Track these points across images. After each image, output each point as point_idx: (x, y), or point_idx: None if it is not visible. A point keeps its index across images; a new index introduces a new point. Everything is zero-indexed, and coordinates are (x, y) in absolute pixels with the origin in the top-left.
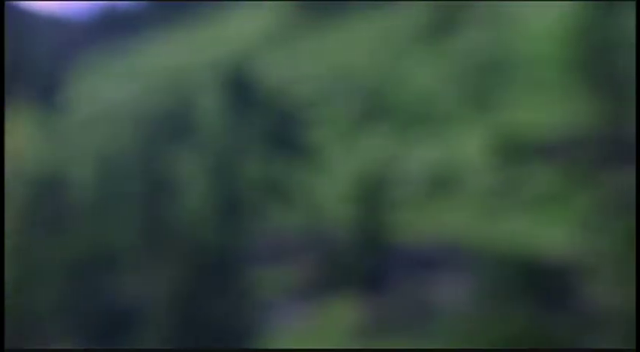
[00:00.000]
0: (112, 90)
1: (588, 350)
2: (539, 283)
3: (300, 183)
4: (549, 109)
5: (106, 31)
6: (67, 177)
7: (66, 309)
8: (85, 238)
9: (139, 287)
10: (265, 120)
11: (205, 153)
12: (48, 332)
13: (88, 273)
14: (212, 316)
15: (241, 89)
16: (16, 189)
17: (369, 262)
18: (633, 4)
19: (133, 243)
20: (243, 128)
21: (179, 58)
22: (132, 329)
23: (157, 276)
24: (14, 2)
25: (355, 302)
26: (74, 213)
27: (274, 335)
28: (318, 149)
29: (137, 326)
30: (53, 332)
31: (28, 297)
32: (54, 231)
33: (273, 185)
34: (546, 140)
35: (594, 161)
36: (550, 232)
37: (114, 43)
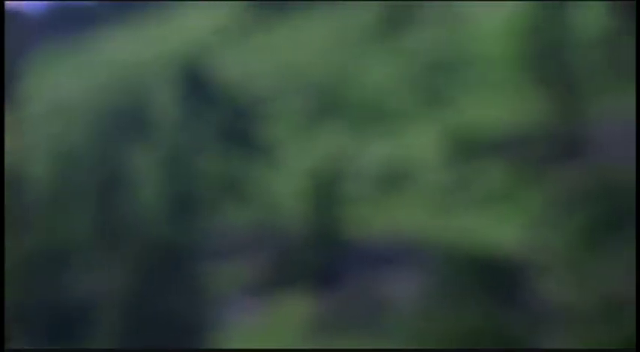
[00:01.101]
0: (66, 86)
1: (588, 351)
2: (492, 279)
3: (254, 179)
4: (501, 107)
5: (60, 26)
6: (21, 172)
7: (17, 305)
8: (38, 233)
9: (92, 282)
10: (220, 117)
11: (160, 148)
12: None
13: (40, 269)
14: (165, 312)
15: (196, 85)
16: None
17: (322, 258)
18: (582, 4)
19: (87, 239)
20: (197, 124)
21: (133, 53)
22: (84, 325)
23: (111, 272)
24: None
25: (309, 299)
26: (27, 208)
27: (227, 331)
28: (272, 145)
29: (89, 322)
30: (5, 328)
31: None
32: (6, 225)
33: (228, 181)
34: (498, 137)
35: (545, 158)
36: (502, 228)
37: (68, 38)
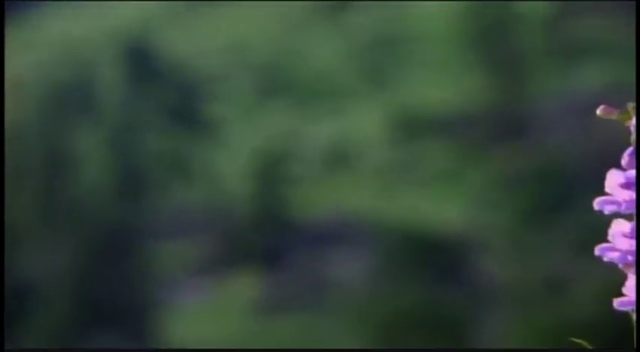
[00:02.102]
0: (9, 63)
1: (588, 350)
2: (436, 258)
3: (201, 159)
4: (446, 86)
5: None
6: None
7: None
8: None
9: (37, 263)
10: (166, 95)
11: (105, 127)
12: None
13: None
14: (111, 292)
15: (141, 63)
16: None
17: (269, 237)
18: None
19: (30, 219)
20: (142, 102)
21: (78, 30)
22: (29, 305)
23: (55, 252)
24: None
25: (255, 278)
26: None
27: (174, 311)
28: (218, 124)
29: (35, 302)
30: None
31: None
32: None
33: (174, 160)
34: (443, 117)
35: (489, 137)
36: (446, 207)
37: (11, 14)
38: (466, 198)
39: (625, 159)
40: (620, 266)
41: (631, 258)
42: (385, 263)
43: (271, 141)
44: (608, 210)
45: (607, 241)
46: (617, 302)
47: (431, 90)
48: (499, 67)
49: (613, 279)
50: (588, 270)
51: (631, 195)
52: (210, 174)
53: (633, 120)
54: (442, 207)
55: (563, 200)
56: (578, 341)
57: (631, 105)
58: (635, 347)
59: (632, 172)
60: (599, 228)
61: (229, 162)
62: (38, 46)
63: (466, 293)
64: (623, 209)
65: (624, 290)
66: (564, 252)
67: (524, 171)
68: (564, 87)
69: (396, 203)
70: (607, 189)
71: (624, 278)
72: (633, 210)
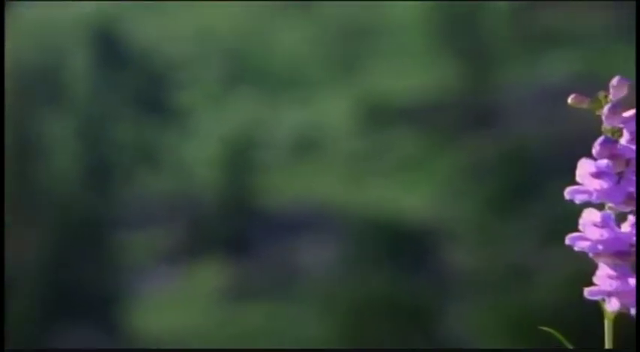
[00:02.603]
0: None
1: (587, 350)
2: (403, 246)
3: (168, 147)
4: (413, 75)
5: None
6: None
7: None
8: None
9: (4, 251)
10: (133, 82)
11: (72, 114)
12: None
13: None
14: (79, 281)
15: (109, 50)
16: None
17: (236, 226)
18: None
19: None
20: (110, 90)
21: (46, 17)
22: None
23: (23, 241)
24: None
25: (223, 266)
26: None
27: (142, 299)
28: (186, 112)
29: (3, 290)
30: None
31: None
32: None
33: (141, 148)
34: (410, 105)
35: (456, 126)
36: (413, 196)
37: None
38: (434, 187)
39: (596, 149)
40: (591, 255)
41: (601, 248)
42: (352, 251)
43: (239, 129)
44: (579, 199)
45: (577, 230)
46: (587, 292)
47: (399, 79)
48: (467, 55)
49: (580, 268)
50: (555, 259)
51: (601, 184)
52: (178, 162)
53: (604, 109)
54: (410, 196)
55: (530, 188)
56: (548, 329)
57: (602, 94)
58: (635, 347)
59: (603, 161)
60: (567, 216)
61: (197, 151)
62: (6, 33)
63: (433, 281)
64: (594, 198)
65: (595, 279)
66: (532, 240)
67: (491, 159)
68: (532, 75)
69: (364, 191)
70: (578, 179)
71: (593, 267)
72: (604, 200)
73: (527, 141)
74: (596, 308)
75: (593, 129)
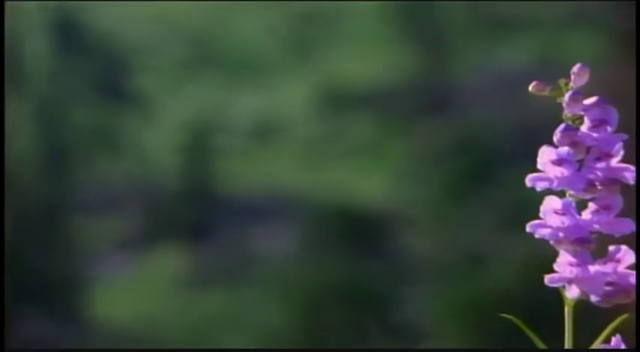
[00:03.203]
0: None
1: (587, 351)
2: (361, 231)
3: (127, 132)
4: (371, 60)
5: None
6: None
7: None
8: None
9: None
10: (92, 67)
11: (31, 99)
12: None
13: None
14: (37, 266)
15: (68, 34)
16: None
17: (196, 211)
18: None
19: None
20: (70, 74)
21: (3, 1)
22: None
23: None
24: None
25: (182, 252)
26: None
27: (101, 285)
28: (146, 96)
29: None
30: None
31: None
32: None
33: (101, 133)
34: (367, 90)
35: (412, 111)
36: (370, 182)
37: None
38: (391, 172)
39: (557, 136)
40: (551, 242)
41: (562, 235)
42: (311, 236)
43: (199, 114)
44: (540, 186)
45: (534, 216)
46: (547, 279)
47: (357, 65)
48: (424, 41)
49: (536, 253)
50: (511, 244)
51: (562, 171)
52: (138, 147)
53: (565, 97)
54: (367, 181)
55: (486, 174)
56: (509, 317)
57: (563, 82)
58: (635, 347)
59: (564, 149)
60: (523, 202)
61: (156, 135)
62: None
63: (390, 266)
64: (554, 186)
65: (555, 266)
66: (488, 225)
67: (448, 145)
68: (489, 61)
69: (322, 176)
70: (539, 166)
71: (549, 252)
72: (565, 187)
73: (484, 127)
74: (549, 292)
75: (550, 115)
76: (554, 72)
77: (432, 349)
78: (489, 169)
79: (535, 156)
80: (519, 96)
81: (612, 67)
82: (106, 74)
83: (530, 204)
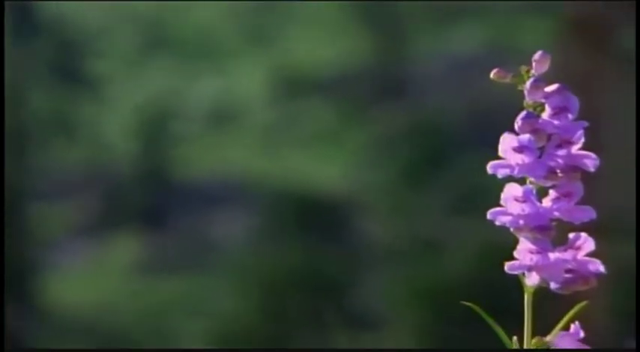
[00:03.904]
0: None
1: (587, 351)
2: (318, 218)
3: (82, 116)
4: (327, 46)
5: None
6: None
7: None
8: None
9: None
10: (46, 50)
11: None
12: None
13: None
14: None
15: (22, 18)
16: None
17: (151, 197)
18: None
19: None
20: (24, 57)
21: None
22: None
23: None
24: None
25: (138, 239)
26: None
27: (55, 272)
28: (102, 81)
29: None
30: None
31: None
32: None
33: (54, 118)
34: (324, 76)
35: (370, 97)
36: (327, 168)
37: None
38: (347, 158)
39: (518, 123)
40: (512, 230)
41: (522, 222)
42: (268, 223)
43: (155, 99)
44: (501, 173)
45: (490, 202)
46: (508, 266)
47: (312, 50)
48: (380, 26)
49: (494, 239)
50: (468, 230)
51: (523, 158)
52: (93, 132)
53: (527, 84)
54: (324, 167)
55: (443, 160)
56: (469, 304)
57: (524, 69)
58: (635, 347)
59: (525, 136)
60: (479, 188)
61: (112, 120)
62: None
63: (347, 252)
64: (515, 173)
65: (515, 254)
66: (445, 211)
67: (404, 131)
68: (443, 47)
69: (279, 163)
70: (500, 153)
71: (509, 239)
72: (526, 174)
73: (440, 113)
74: (506, 278)
75: (505, 101)
76: (507, 58)
77: (434, 349)
78: (446, 155)
79: (491, 141)
80: (474, 82)
81: (563, 53)
82: (61, 58)
83: (487, 190)
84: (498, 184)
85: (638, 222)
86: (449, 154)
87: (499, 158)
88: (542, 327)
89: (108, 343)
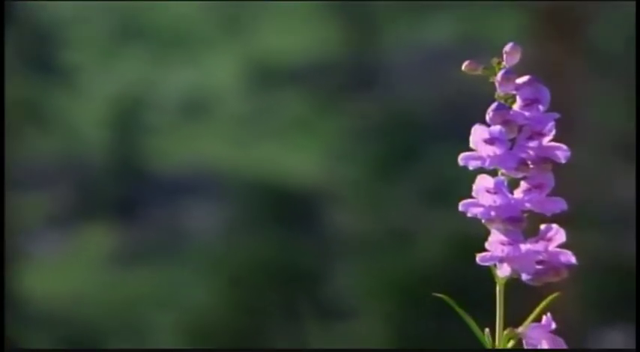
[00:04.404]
0: None
1: (587, 351)
2: (290, 209)
3: (54, 106)
4: (300, 36)
5: None
6: None
7: None
8: None
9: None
10: (19, 40)
11: None
12: None
13: None
14: None
15: None
16: None
17: (124, 188)
18: None
19: None
20: None
21: None
22: None
23: None
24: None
25: (110, 229)
26: None
27: (29, 263)
28: (74, 70)
29: None
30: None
31: None
32: None
33: (27, 107)
34: (298, 66)
35: (343, 88)
36: (300, 159)
37: None
38: (320, 149)
39: (490, 115)
40: (483, 221)
41: (494, 214)
42: (241, 214)
43: (128, 89)
44: (472, 165)
45: (462, 193)
46: (479, 258)
47: (286, 40)
48: (353, 17)
49: (465, 230)
50: (440, 221)
51: (494, 150)
52: (65, 122)
53: (498, 76)
54: (296, 158)
55: (415, 152)
56: (440, 296)
57: (495, 61)
58: (634, 347)
59: (497, 128)
60: (451, 179)
61: (84, 111)
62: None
63: (320, 244)
64: (487, 164)
65: (487, 245)
66: (417, 203)
67: (378, 122)
68: (416, 38)
69: (251, 154)
70: (472, 145)
71: (481, 230)
72: (497, 166)
73: (413, 104)
74: (477, 268)
75: (478, 92)
76: (479, 49)
77: (435, 349)
78: (418, 146)
79: (463, 132)
80: (446, 73)
81: (534, 44)
82: (34, 47)
83: (459, 182)
84: (470, 176)
85: (638, 220)
86: (421, 145)
87: (470, 150)
88: (513, 318)
89: (80, 333)
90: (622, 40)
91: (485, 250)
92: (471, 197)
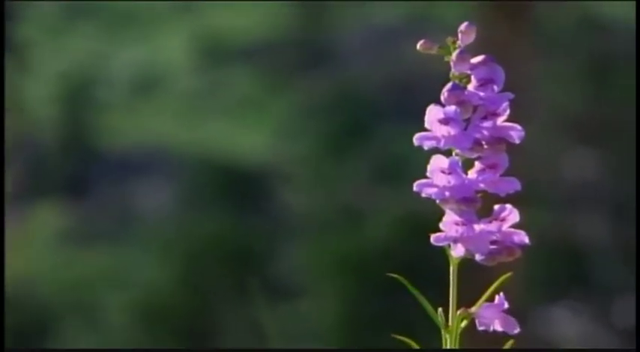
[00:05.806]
0: None
1: (586, 351)
2: (240, 187)
3: (4, 83)
4: (250, 14)
5: None
6: None
7: None
8: None
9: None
10: None
11: None
12: None
13: None
14: None
15: None
16: None
17: (74, 167)
18: None
19: None
20: None
21: None
22: None
23: None
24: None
25: (60, 208)
26: None
27: None
28: (23, 47)
29: None
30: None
31: None
32: None
33: None
34: (247, 44)
35: (292, 66)
36: (249, 136)
37: None
38: (270, 127)
39: (444, 95)
40: (438, 201)
41: (448, 194)
42: (191, 192)
43: (78, 66)
44: (427, 145)
45: (412, 172)
46: (433, 238)
47: (236, 18)
48: None
49: (414, 209)
50: (390, 199)
51: (449, 130)
52: (14, 99)
53: (453, 55)
54: (245, 136)
55: (365, 130)
56: (395, 276)
57: (450, 40)
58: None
59: (451, 108)
60: (400, 157)
61: (34, 87)
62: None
63: (270, 222)
64: (441, 145)
65: (441, 225)
66: (366, 181)
67: (327, 100)
68: (366, 17)
69: (201, 131)
70: (426, 125)
71: (431, 209)
72: (452, 146)
73: (362, 82)
74: (428, 247)
75: (427, 70)
76: (428, 28)
77: (436, 349)
78: (368, 125)
79: (412, 111)
80: (395, 52)
81: (481, 24)
82: None
83: (409, 160)
84: (420, 153)
85: (638, 216)
86: (371, 124)
87: (425, 130)
88: (466, 298)
89: (32, 313)
90: (569, 18)
91: (437, 229)
92: (425, 176)
